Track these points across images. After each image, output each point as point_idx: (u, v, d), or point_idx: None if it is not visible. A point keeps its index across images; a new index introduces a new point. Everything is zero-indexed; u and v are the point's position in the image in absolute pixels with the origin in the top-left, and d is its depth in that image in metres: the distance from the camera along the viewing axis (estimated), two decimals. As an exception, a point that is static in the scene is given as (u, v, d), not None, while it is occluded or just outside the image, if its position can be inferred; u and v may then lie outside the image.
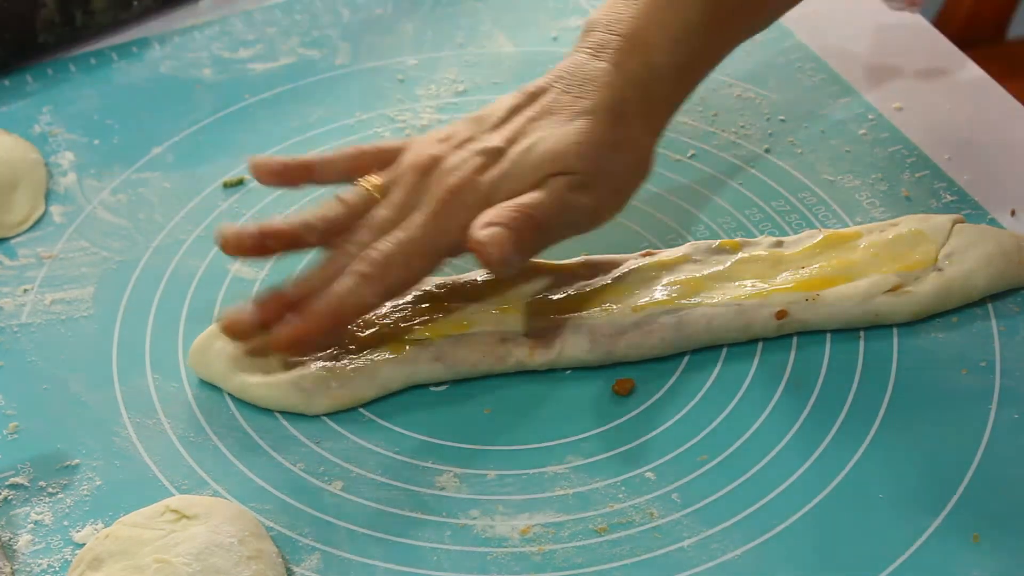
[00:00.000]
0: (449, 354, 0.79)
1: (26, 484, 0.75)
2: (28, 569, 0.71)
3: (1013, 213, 0.88)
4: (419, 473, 0.75)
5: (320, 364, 0.79)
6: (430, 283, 0.83)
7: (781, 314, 0.80)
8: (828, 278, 0.81)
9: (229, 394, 0.79)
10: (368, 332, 0.80)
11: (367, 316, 0.81)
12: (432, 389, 0.80)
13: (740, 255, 0.83)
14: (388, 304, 0.81)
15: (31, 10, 1.04)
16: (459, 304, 0.81)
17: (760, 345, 0.80)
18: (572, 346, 0.79)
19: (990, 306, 0.82)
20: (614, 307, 0.81)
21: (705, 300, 0.80)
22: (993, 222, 0.87)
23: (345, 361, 0.79)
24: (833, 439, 0.75)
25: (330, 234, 0.80)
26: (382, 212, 0.79)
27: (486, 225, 0.75)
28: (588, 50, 0.82)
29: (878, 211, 0.89)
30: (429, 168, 0.79)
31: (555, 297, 0.82)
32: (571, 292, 0.82)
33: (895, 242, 0.83)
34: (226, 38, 1.08)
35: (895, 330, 0.81)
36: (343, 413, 0.78)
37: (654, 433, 0.76)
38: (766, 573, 0.69)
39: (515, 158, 0.79)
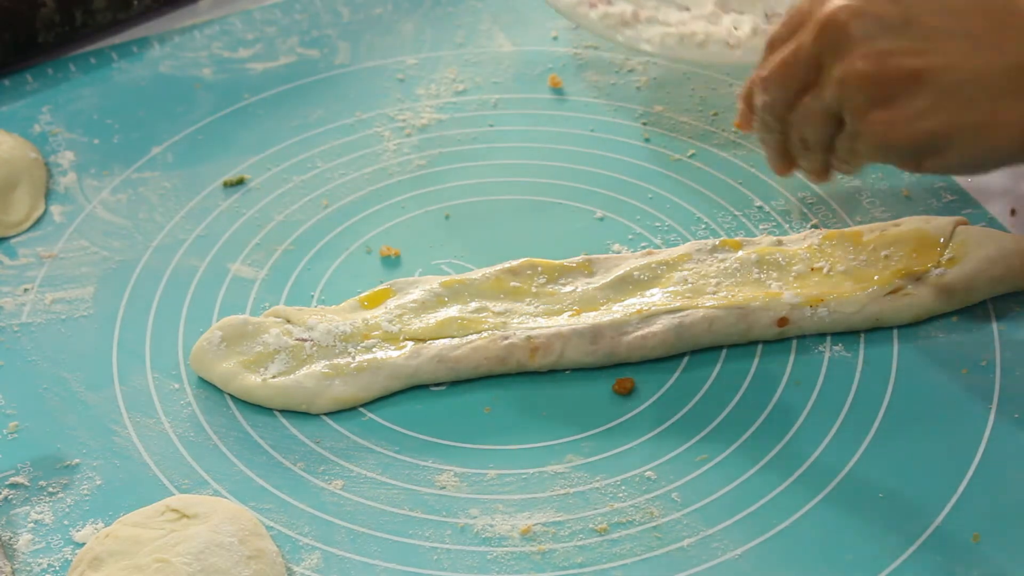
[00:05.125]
0: (450, 355, 0.79)
1: (26, 484, 0.75)
2: (28, 568, 0.71)
3: (1013, 212, 0.88)
4: (419, 473, 0.75)
5: (322, 364, 0.79)
6: (432, 283, 0.83)
7: (783, 322, 0.79)
8: (831, 287, 0.81)
9: (229, 394, 0.80)
10: (370, 332, 0.80)
11: (368, 317, 0.81)
12: (432, 389, 0.80)
13: (740, 254, 0.83)
14: (391, 304, 0.82)
15: (31, 10, 1.04)
16: (460, 305, 0.81)
17: (760, 346, 0.80)
18: (573, 348, 0.79)
19: (990, 306, 0.82)
20: (615, 307, 0.81)
21: (706, 302, 0.80)
22: (993, 221, 0.87)
23: (346, 361, 0.79)
24: (833, 439, 0.75)
25: None
26: None
27: None
28: None
29: (878, 211, 0.89)
30: None
31: (556, 297, 0.82)
32: (572, 292, 0.82)
33: (897, 243, 0.83)
34: (226, 38, 1.08)
35: (895, 330, 0.81)
36: (343, 413, 0.78)
37: (654, 433, 0.76)
38: (766, 573, 0.69)
39: None
